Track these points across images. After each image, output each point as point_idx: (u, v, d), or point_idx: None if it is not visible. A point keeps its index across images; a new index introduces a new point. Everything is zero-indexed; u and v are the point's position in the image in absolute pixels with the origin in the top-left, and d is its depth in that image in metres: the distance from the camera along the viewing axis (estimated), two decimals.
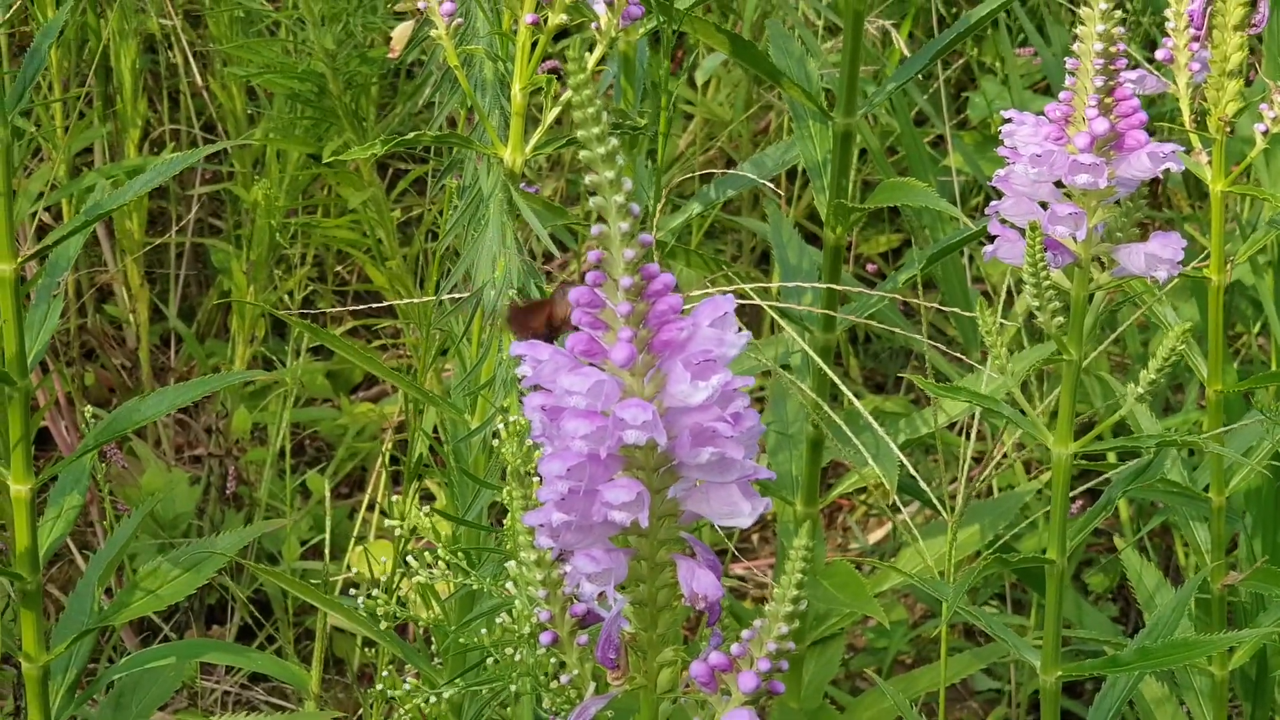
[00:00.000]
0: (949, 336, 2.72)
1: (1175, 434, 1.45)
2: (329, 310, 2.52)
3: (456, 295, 1.48)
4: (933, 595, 1.37)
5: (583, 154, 1.00)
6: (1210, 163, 1.58)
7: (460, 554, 1.23)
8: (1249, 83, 1.55)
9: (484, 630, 1.15)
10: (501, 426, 1.24)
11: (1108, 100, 1.22)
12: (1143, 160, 1.23)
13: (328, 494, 2.29)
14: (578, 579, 1.03)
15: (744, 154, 2.87)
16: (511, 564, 1.14)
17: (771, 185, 1.91)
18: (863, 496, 2.58)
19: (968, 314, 1.75)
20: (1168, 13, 1.55)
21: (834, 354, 2.80)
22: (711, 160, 2.91)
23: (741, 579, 2.54)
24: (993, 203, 1.28)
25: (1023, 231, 1.26)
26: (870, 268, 2.88)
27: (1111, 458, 1.98)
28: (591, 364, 1.03)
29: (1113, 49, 1.20)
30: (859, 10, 1.67)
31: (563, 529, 1.02)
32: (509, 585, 1.13)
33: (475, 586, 1.17)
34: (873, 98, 1.72)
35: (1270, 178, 2.32)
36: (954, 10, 2.99)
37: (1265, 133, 1.52)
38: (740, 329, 1.04)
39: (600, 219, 1.01)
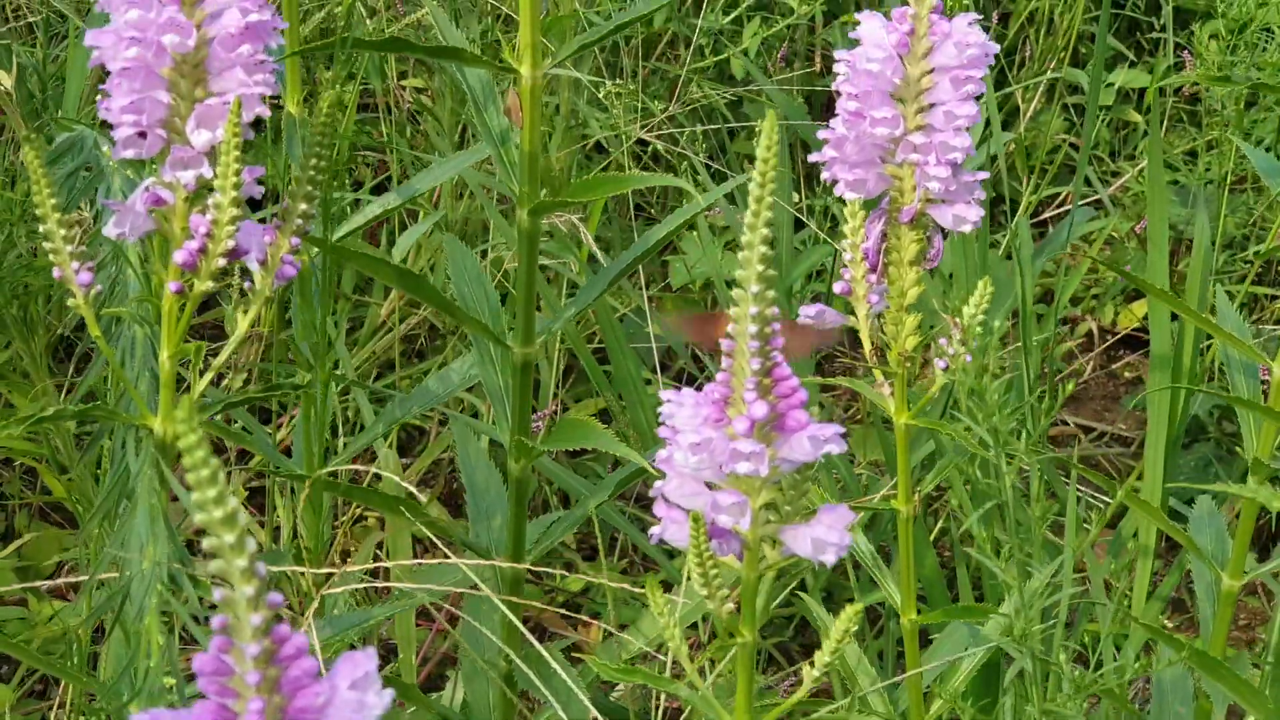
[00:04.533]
0: None
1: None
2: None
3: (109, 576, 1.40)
4: None
5: (198, 517, 0.94)
6: (893, 395, 1.57)
7: None
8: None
9: None
10: None
11: (766, 381, 1.19)
12: (804, 443, 1.19)
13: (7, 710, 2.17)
14: None
15: (450, 321, 2.81)
16: None
17: None
18: None
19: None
20: (844, 244, 1.53)
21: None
22: (414, 331, 2.85)
23: None
24: (657, 483, 1.23)
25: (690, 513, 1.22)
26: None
27: None
28: None
29: (768, 330, 1.17)
30: (533, 234, 1.63)
31: None
32: None
33: None
34: (548, 326, 1.67)
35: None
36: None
37: (945, 368, 1.51)
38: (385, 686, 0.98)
39: (224, 581, 0.95)
